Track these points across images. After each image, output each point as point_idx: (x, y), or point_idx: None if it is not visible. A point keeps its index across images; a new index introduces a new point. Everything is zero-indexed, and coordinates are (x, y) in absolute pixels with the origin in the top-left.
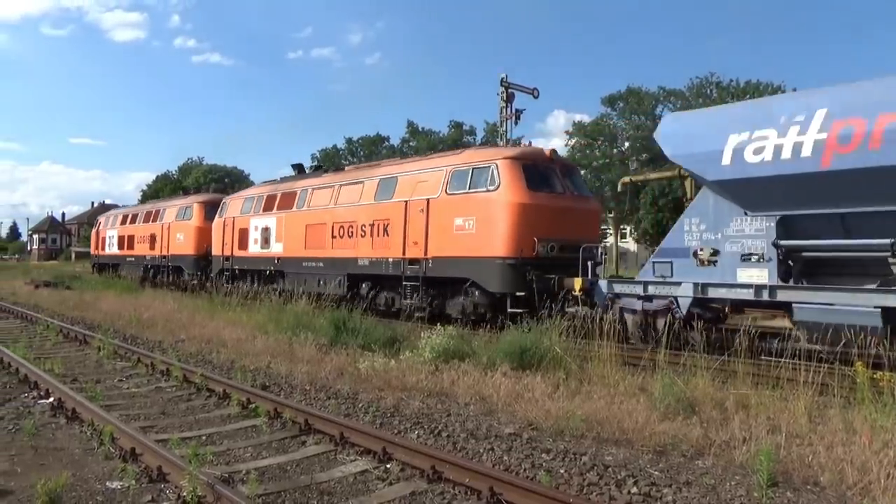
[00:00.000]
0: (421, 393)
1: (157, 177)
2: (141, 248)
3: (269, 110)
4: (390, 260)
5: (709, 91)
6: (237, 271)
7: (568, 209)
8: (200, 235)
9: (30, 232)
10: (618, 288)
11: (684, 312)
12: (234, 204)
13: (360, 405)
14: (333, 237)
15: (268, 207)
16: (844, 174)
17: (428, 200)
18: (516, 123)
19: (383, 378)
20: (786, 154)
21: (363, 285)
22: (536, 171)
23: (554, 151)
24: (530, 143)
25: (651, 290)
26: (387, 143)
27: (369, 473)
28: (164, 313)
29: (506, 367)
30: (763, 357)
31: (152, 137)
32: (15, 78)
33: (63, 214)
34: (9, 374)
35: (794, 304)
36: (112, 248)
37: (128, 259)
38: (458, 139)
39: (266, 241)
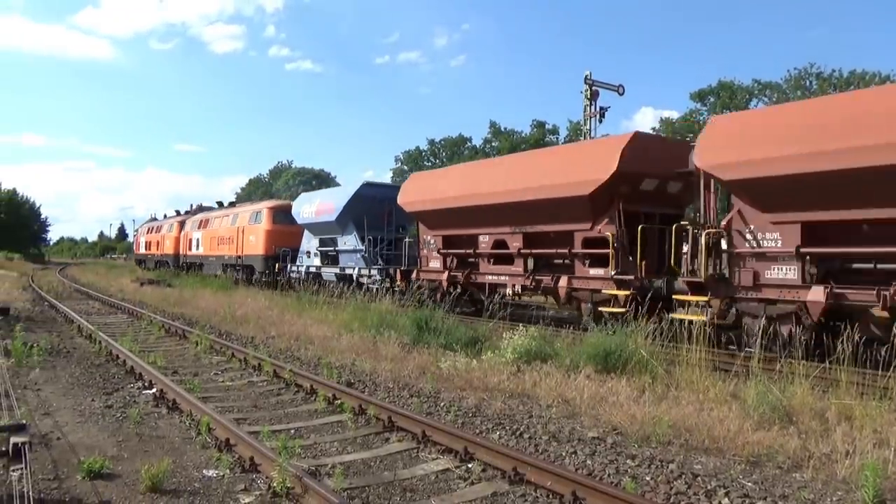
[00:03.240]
0: (502, 394)
1: (250, 180)
2: (153, 249)
3: (357, 114)
4: (234, 256)
5: (808, 83)
6: (187, 264)
7: (290, 231)
8: (177, 243)
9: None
10: (292, 267)
11: (304, 276)
12: (189, 223)
13: (442, 404)
14: (218, 244)
15: (199, 227)
16: (320, 224)
17: (244, 227)
18: (601, 121)
19: (465, 378)
20: (311, 214)
21: (228, 269)
22: (281, 213)
23: (290, 204)
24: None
25: (300, 269)
26: (469, 143)
27: (451, 472)
28: (255, 311)
29: (589, 369)
30: (867, 366)
31: (247, 143)
32: (126, 90)
33: (165, 216)
34: (117, 366)
35: (323, 273)
36: (142, 250)
37: (147, 256)
38: (540, 139)
39: (197, 246)
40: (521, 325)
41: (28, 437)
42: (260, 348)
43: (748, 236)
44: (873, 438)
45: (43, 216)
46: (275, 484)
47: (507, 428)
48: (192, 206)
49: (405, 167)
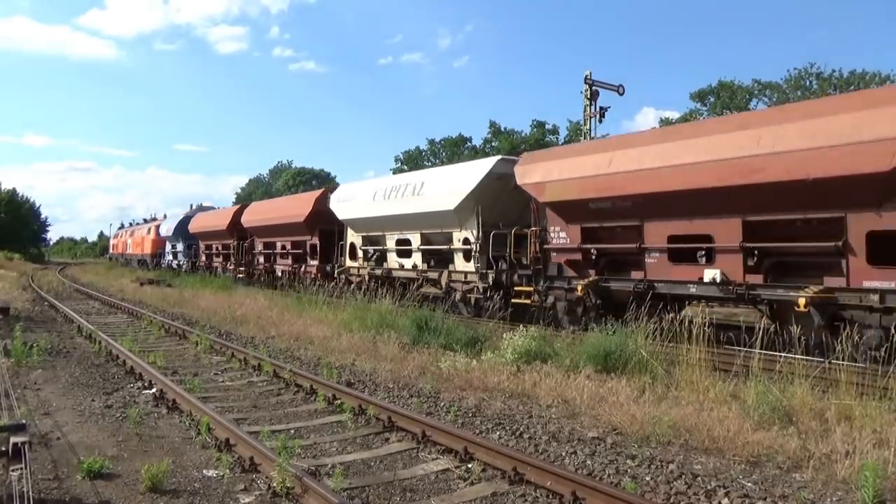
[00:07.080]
0: (502, 394)
1: (250, 180)
2: (113, 250)
3: (358, 114)
4: (139, 254)
5: (808, 83)
6: (124, 260)
7: (165, 239)
8: (122, 246)
9: None
10: (163, 261)
11: (167, 265)
12: (128, 232)
13: (442, 404)
14: (135, 247)
15: (130, 235)
16: (169, 236)
17: (143, 237)
18: (601, 121)
19: (465, 378)
20: (166, 230)
21: (140, 263)
22: (160, 228)
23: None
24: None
25: (165, 261)
26: (469, 143)
27: (451, 472)
28: (255, 310)
29: (589, 369)
30: (864, 364)
31: (249, 143)
32: (129, 90)
33: (165, 216)
34: (117, 366)
35: (172, 263)
36: (110, 250)
37: (111, 255)
38: (540, 139)
39: (128, 248)
40: (521, 325)
41: (28, 436)
42: (260, 348)
43: (256, 246)
44: (873, 438)
45: (43, 216)
46: (275, 484)
47: (507, 428)
48: (191, 206)
49: (405, 167)
